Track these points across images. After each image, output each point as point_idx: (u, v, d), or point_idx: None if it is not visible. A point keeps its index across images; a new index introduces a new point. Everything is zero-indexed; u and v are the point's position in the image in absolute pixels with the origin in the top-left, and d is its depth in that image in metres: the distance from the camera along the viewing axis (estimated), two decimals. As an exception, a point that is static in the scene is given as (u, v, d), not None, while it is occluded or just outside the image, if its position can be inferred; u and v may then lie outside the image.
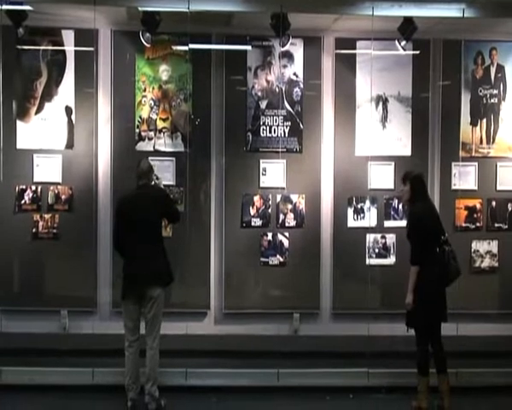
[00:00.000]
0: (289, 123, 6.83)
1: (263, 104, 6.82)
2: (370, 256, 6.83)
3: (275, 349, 6.40)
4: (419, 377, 5.44)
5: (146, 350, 5.40)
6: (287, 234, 6.78)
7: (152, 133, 6.73)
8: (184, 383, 5.92)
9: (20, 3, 5.94)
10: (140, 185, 5.50)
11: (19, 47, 6.53)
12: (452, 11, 6.10)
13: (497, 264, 6.96)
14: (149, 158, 6.52)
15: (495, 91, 7.00)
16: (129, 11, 6.29)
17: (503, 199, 6.97)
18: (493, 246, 6.95)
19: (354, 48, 6.83)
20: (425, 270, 5.29)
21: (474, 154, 6.95)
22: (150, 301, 5.36)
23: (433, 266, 5.30)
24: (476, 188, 6.96)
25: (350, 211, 6.85)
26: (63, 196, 6.64)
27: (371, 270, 6.75)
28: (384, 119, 6.91)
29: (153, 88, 6.74)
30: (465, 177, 6.89)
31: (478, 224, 6.94)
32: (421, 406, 5.44)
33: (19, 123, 6.63)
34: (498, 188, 6.98)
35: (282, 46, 6.45)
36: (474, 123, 6.97)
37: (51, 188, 6.63)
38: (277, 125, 6.82)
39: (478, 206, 6.94)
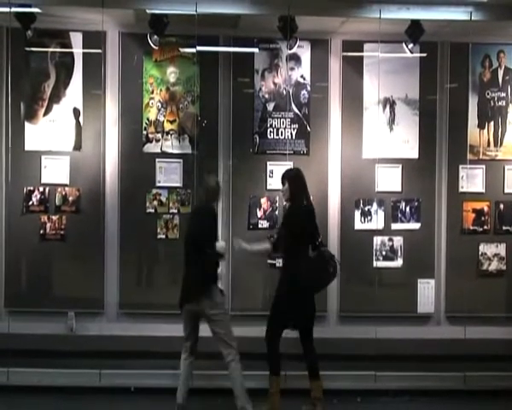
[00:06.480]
0: (296, 125, 6.83)
1: (270, 106, 6.82)
2: (378, 259, 6.83)
3: (281, 352, 6.37)
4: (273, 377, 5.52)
5: None
6: (293, 236, 6.76)
7: (159, 135, 6.74)
8: (190, 384, 5.91)
9: (29, 6, 5.97)
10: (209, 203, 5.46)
11: (27, 49, 6.55)
12: (460, 14, 6.11)
13: (504, 267, 6.93)
14: (157, 160, 6.59)
15: (502, 94, 6.98)
16: (137, 13, 6.32)
17: (511, 202, 6.95)
18: (501, 249, 6.92)
19: (361, 50, 6.82)
20: (295, 266, 5.36)
21: (481, 156, 6.93)
22: (205, 317, 5.36)
23: (302, 266, 5.37)
24: (484, 191, 6.93)
25: (357, 213, 6.84)
26: (71, 198, 6.65)
27: (378, 272, 6.75)
28: (391, 121, 6.90)
29: (160, 90, 6.75)
30: (473, 179, 6.87)
31: (485, 226, 6.91)
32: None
33: (27, 125, 6.66)
34: (506, 191, 6.95)
35: (290, 49, 6.45)
36: (481, 126, 6.95)
37: (59, 189, 6.64)
38: (284, 128, 6.81)
39: (485, 209, 6.91)
